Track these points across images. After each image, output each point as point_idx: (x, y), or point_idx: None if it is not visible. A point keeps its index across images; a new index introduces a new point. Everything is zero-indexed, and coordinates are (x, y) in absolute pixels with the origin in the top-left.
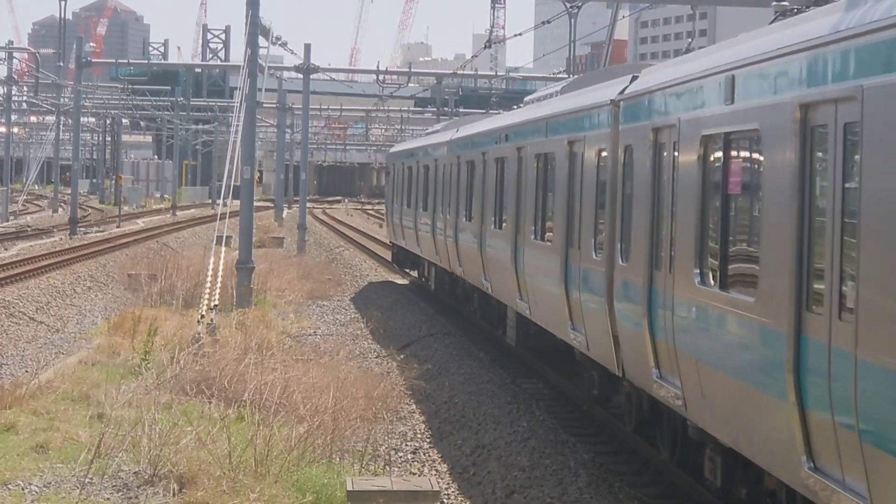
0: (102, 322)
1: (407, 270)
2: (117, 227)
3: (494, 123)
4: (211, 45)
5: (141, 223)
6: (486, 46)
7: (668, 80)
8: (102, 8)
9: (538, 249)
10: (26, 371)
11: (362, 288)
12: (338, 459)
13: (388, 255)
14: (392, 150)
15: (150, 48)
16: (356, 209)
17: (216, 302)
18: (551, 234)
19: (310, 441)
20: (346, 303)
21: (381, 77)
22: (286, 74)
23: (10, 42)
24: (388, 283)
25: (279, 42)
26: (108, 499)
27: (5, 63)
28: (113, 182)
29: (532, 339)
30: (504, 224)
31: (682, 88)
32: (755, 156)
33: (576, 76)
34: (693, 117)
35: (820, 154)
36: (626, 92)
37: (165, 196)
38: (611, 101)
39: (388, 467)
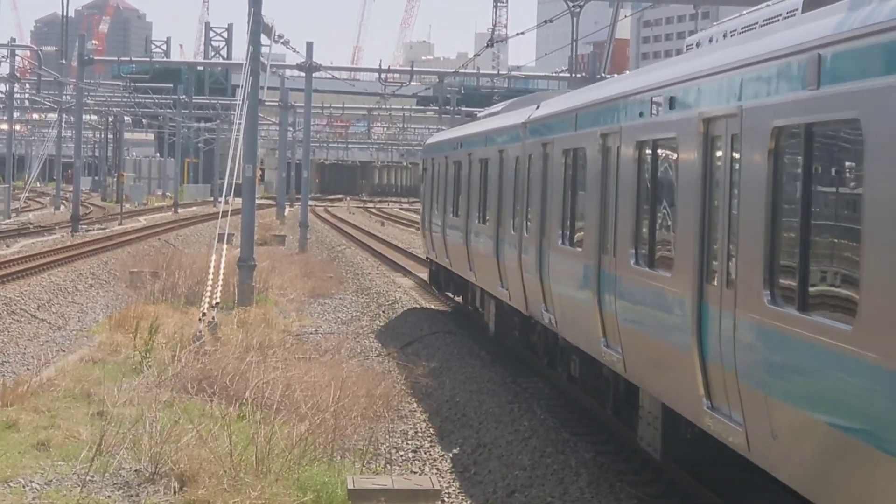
0: (104, 319)
1: (450, 294)
2: (119, 224)
3: (634, 83)
4: (213, 42)
5: (143, 221)
6: (488, 45)
7: None
8: (105, 6)
9: (784, 326)
10: (28, 368)
11: (366, 288)
12: (339, 458)
13: (390, 253)
14: (430, 140)
15: (153, 46)
16: (358, 207)
17: (218, 300)
18: (838, 300)
19: (311, 439)
20: (348, 301)
21: (383, 75)
22: (288, 72)
23: (13, 39)
24: (390, 283)
25: (281, 40)
26: (108, 496)
27: (8, 60)
28: (115, 180)
29: (688, 451)
30: (665, 262)
31: None
32: None
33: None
34: None
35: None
36: None
37: (167, 194)
38: None
39: (389, 466)
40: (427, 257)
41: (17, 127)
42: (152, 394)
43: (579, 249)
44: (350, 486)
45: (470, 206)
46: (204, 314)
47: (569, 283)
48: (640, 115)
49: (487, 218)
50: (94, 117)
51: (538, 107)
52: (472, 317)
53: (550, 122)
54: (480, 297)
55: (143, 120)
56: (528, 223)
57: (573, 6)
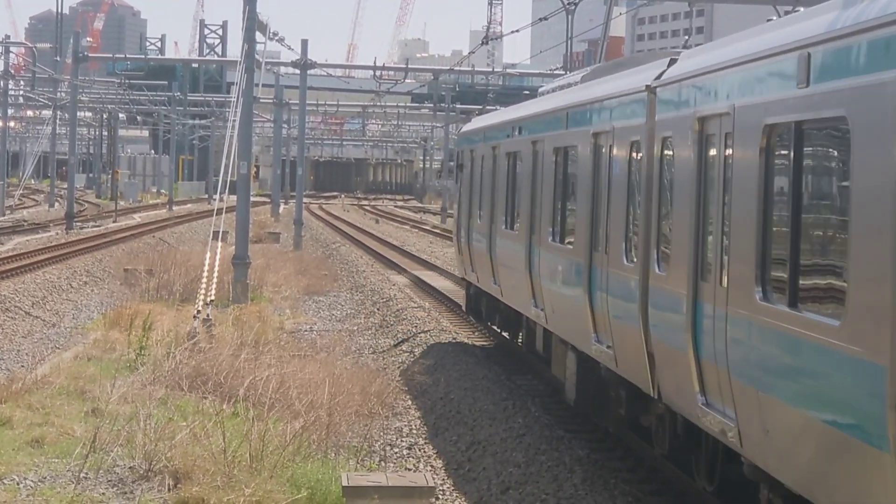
0: (99, 317)
1: (497, 329)
2: (114, 221)
3: None
4: (208, 40)
5: (137, 218)
6: (483, 43)
7: None
8: (99, 3)
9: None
10: (22, 366)
11: (360, 286)
12: (333, 455)
13: (384, 251)
14: (469, 126)
15: (147, 43)
16: (353, 205)
17: (212, 297)
18: None
19: (305, 436)
20: (343, 298)
21: (377, 73)
22: (283, 70)
23: (7, 36)
24: (385, 281)
25: (276, 38)
26: (103, 493)
27: (2, 57)
28: (109, 177)
29: None
30: None
31: None
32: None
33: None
34: None
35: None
36: None
37: (162, 191)
38: None
39: (383, 463)
40: (464, 279)
41: (12, 124)
42: (146, 391)
43: (834, 323)
44: (344, 483)
45: (537, 218)
46: (199, 311)
47: (782, 379)
48: None
49: (570, 237)
50: (89, 114)
51: (671, 62)
52: (518, 355)
53: (720, 80)
54: (545, 342)
55: (138, 117)
56: (663, 253)
57: (568, 4)
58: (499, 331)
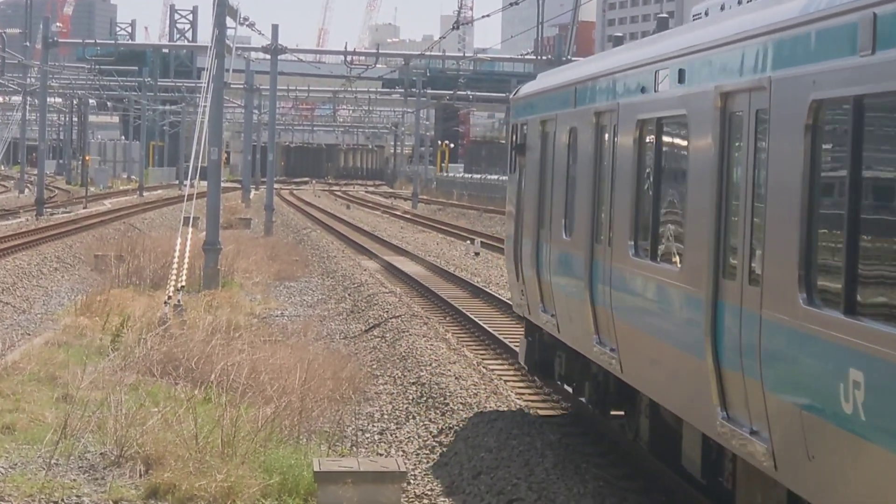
0: (69, 303)
1: (588, 403)
2: (84, 207)
3: None
4: (178, 25)
5: (108, 204)
6: (454, 27)
7: None
8: None
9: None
10: None
11: (331, 271)
12: (305, 440)
13: (355, 236)
14: (536, 85)
15: (118, 28)
16: (323, 190)
17: (183, 283)
18: None
19: (277, 422)
20: (314, 284)
21: (348, 58)
22: (254, 55)
23: None
24: (356, 266)
25: (247, 23)
26: (74, 479)
27: None
28: (80, 163)
29: None
30: None
31: None
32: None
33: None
34: None
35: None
36: None
37: (132, 177)
38: None
39: (355, 448)
40: (524, 318)
41: None
42: (117, 377)
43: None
44: (316, 469)
45: (731, 246)
46: (169, 297)
47: None
48: None
49: (865, 302)
50: (59, 100)
51: None
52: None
53: None
54: (705, 458)
55: (108, 103)
56: None
57: None
58: (589, 405)
